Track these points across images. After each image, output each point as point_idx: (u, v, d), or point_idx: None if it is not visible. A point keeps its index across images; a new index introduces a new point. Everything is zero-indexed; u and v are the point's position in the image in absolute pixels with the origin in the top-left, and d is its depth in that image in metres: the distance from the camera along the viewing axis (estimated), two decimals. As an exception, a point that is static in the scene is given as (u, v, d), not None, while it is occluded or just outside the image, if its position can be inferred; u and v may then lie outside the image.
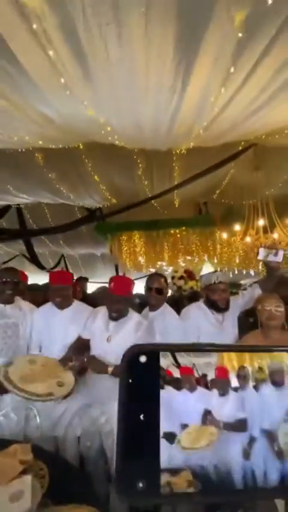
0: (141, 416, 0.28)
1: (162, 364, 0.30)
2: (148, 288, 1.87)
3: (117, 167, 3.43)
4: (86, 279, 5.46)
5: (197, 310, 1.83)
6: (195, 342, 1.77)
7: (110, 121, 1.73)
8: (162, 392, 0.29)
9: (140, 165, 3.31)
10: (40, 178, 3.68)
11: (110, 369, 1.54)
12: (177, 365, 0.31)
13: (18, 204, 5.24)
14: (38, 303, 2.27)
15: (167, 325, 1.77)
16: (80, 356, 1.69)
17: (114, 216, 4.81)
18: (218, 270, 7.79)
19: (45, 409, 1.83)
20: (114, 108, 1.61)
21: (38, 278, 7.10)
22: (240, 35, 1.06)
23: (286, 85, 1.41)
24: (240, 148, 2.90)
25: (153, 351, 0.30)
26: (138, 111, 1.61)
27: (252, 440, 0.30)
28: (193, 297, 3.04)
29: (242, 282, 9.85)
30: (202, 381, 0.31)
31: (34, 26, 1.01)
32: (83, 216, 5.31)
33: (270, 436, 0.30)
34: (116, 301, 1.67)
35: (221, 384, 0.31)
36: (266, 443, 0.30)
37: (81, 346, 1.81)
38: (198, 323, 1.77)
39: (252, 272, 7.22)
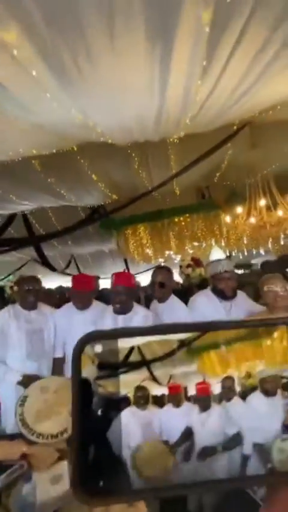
0: (98, 423, 0.25)
1: (137, 379, 0.27)
2: (152, 282, 1.91)
3: (113, 163, 3.44)
4: (97, 278, 5.56)
5: (204, 299, 1.84)
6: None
7: (99, 124, 1.74)
8: (142, 412, 0.26)
9: (136, 158, 3.30)
10: (39, 184, 3.74)
11: None
12: (153, 377, 0.27)
13: (23, 211, 5.34)
14: (54, 306, 2.38)
15: (176, 317, 1.78)
16: None
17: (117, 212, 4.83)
18: (227, 253, 7.74)
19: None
20: (100, 113, 1.63)
21: (50, 279, 7.30)
22: (207, 30, 1.05)
23: (267, 67, 1.37)
24: (235, 127, 2.83)
25: (110, 338, 0.26)
26: (123, 112, 1.63)
27: (243, 458, 0.27)
28: (202, 285, 3.06)
29: (253, 261, 9.73)
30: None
31: (15, 53, 1.05)
32: (86, 216, 5.37)
33: (263, 452, 0.27)
34: (117, 292, 1.72)
35: (203, 401, 0.28)
36: (257, 460, 0.27)
37: None
38: (205, 313, 1.78)
39: (262, 251, 7.12)
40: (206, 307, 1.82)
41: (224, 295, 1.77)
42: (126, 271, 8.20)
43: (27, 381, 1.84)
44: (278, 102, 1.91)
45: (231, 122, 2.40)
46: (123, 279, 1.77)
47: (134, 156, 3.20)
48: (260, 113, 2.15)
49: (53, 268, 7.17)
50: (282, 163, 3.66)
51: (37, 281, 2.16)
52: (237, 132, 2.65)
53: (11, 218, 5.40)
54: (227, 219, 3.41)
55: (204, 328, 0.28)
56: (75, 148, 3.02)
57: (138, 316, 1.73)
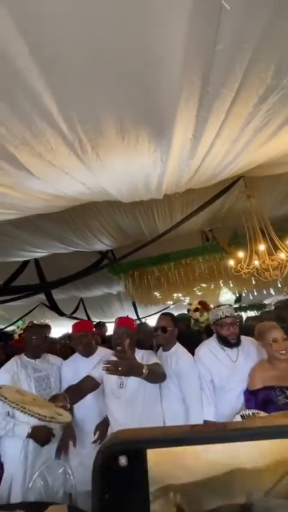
0: None
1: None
2: (154, 329, 1.90)
3: (120, 214, 3.77)
4: (103, 325, 5.50)
5: (206, 351, 1.78)
6: (208, 386, 1.68)
7: (110, 189, 2.04)
8: None
9: (142, 209, 3.62)
10: (53, 234, 4.06)
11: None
12: None
13: (36, 257, 5.63)
14: (57, 354, 2.39)
15: (180, 368, 1.72)
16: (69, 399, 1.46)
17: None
18: (237, 293, 7.60)
19: (79, 465, 1.83)
20: (112, 183, 1.94)
21: (58, 324, 7.24)
22: (192, 135, 1.36)
23: (249, 142, 1.65)
24: (231, 180, 3.14)
25: (135, 449, 0.21)
26: (130, 183, 1.94)
27: None
28: (210, 330, 3.01)
29: (266, 301, 9.46)
30: None
31: (44, 156, 1.36)
32: (96, 261, 5.60)
33: None
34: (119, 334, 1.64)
35: None
36: None
37: (86, 386, 1.65)
38: (209, 366, 1.72)
39: (272, 291, 7.01)
40: (208, 359, 1.75)
41: (228, 342, 1.71)
42: (135, 314, 8.08)
43: (37, 433, 1.77)
44: (264, 163, 2.18)
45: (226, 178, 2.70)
46: (125, 321, 1.72)
47: (140, 208, 3.52)
48: (251, 170, 2.43)
49: (61, 313, 7.17)
50: (281, 208, 3.92)
51: (44, 329, 2.22)
52: (232, 184, 2.93)
53: (25, 264, 5.65)
54: (231, 263, 3.51)
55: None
56: (86, 203, 3.36)
57: (139, 357, 1.60)
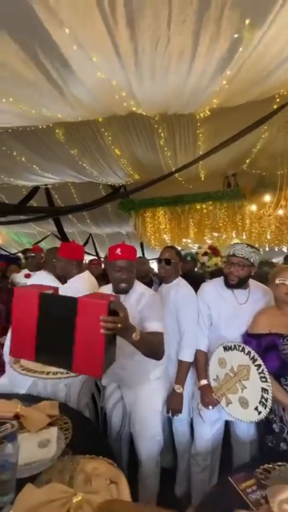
0: None
1: None
2: (158, 260, 1.78)
3: (137, 138, 3.29)
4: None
5: (211, 287, 1.66)
6: (204, 321, 1.65)
7: (134, 90, 1.59)
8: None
9: (162, 134, 3.12)
10: (62, 155, 3.70)
11: None
12: None
13: (46, 185, 5.38)
14: None
15: (180, 298, 1.66)
16: None
17: (138, 193, 4.72)
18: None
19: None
20: (140, 77, 1.49)
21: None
22: None
23: None
24: (275, 106, 2.56)
25: None
26: (162, 75, 1.48)
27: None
28: (216, 273, 2.93)
29: (275, 260, 9.27)
30: None
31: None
32: (107, 194, 5.32)
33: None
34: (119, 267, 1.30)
35: None
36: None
37: None
38: (209, 301, 1.62)
39: (285, 249, 6.73)
40: (210, 294, 1.62)
41: (226, 281, 1.56)
42: (141, 255, 8.16)
43: None
44: None
45: (271, 97, 2.14)
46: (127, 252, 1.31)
47: (160, 132, 3.03)
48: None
49: (70, 244, 7.28)
50: None
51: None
52: (279, 110, 2.39)
53: (34, 191, 5.47)
54: (253, 207, 3.19)
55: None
56: (101, 120, 2.91)
57: (134, 294, 1.36)
